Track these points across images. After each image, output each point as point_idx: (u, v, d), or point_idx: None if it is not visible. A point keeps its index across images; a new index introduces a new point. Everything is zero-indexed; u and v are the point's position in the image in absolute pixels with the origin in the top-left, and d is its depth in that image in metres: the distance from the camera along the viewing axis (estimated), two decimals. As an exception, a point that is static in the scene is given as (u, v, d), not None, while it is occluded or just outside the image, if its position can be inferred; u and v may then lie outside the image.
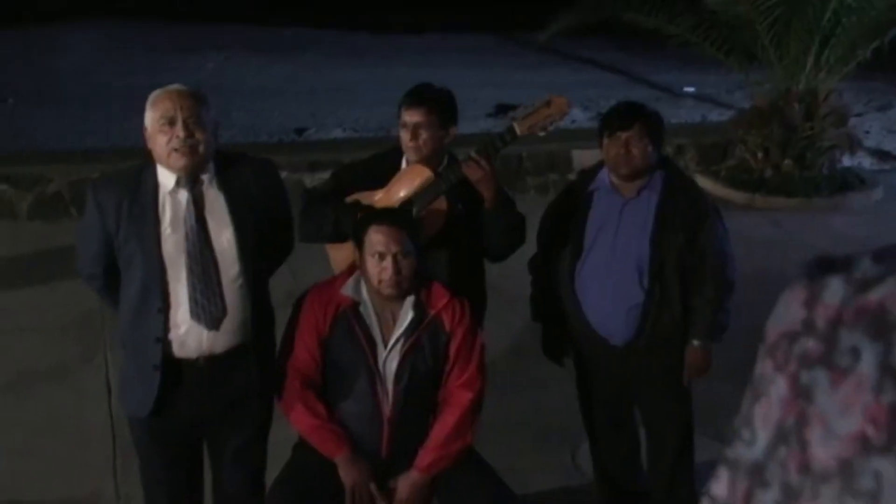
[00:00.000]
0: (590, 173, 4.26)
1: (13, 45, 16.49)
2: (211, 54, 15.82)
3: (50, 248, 7.66)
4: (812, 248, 7.45)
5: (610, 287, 4.07)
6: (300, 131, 11.49)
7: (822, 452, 0.80)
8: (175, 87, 3.55)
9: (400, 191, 4.15)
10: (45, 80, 13.91)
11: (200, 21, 19.03)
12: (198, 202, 3.56)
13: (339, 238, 4.11)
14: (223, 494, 3.89)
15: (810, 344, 0.84)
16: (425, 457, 3.78)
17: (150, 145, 3.55)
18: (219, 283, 3.58)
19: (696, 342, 4.08)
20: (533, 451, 5.02)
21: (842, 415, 0.79)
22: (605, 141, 4.05)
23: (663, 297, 4.03)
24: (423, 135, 4.12)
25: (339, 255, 4.22)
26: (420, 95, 4.18)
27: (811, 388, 0.82)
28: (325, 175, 7.32)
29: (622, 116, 4.05)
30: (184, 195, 3.55)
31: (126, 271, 3.60)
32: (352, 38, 17.23)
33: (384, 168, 4.26)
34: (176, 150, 3.46)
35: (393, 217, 3.82)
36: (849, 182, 9.07)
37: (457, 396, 3.81)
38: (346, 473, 3.76)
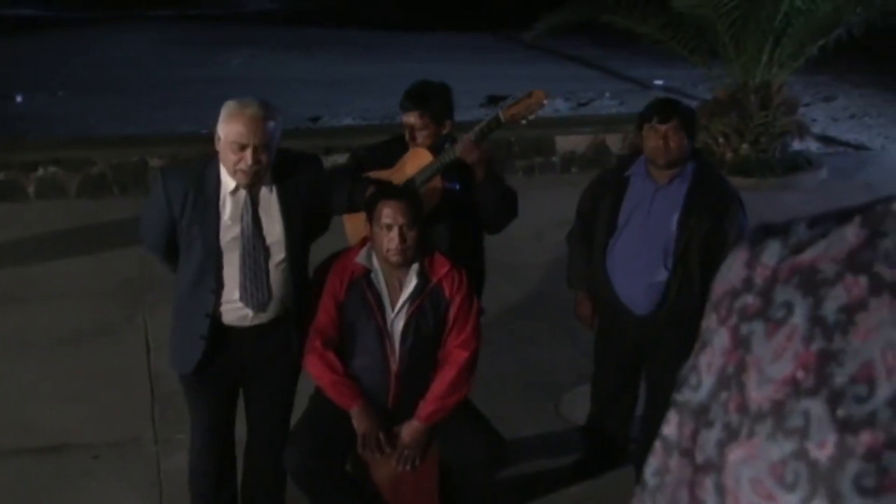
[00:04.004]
0: (627, 160, 4.22)
1: (66, 41, 16.43)
2: (239, 51, 15.74)
3: (95, 222, 7.64)
4: (766, 221, 7.43)
5: (638, 264, 4.01)
6: (315, 119, 11.43)
7: (758, 394, 0.79)
8: (251, 109, 3.35)
9: (404, 171, 4.17)
10: (94, 72, 13.85)
11: (234, 22, 19.03)
12: (255, 201, 3.52)
13: (352, 209, 4.12)
14: (256, 435, 3.89)
15: (749, 299, 0.83)
16: (425, 408, 3.77)
17: (219, 150, 3.44)
18: (266, 271, 3.56)
19: None
20: (521, 402, 5.00)
21: (775, 361, 0.79)
22: (645, 132, 3.96)
23: (685, 277, 3.97)
24: (420, 135, 4.16)
25: (353, 225, 4.24)
26: (414, 98, 4.17)
27: (749, 338, 0.82)
28: (338, 158, 7.31)
29: (662, 110, 3.96)
30: (243, 194, 3.49)
31: (186, 251, 3.57)
32: (362, 36, 17.14)
33: (395, 151, 4.27)
34: (243, 171, 3.39)
35: (400, 192, 3.81)
36: (798, 164, 9.04)
37: (455, 355, 3.79)
38: (360, 422, 3.75)
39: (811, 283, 0.80)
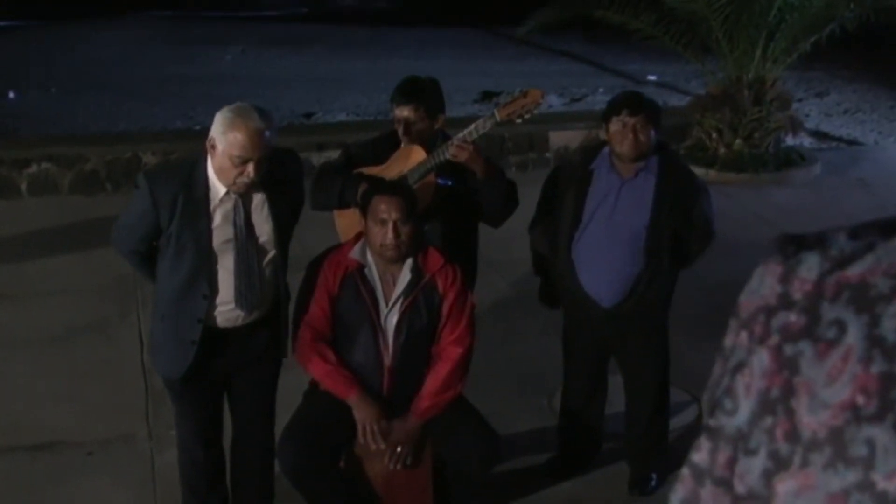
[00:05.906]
0: (591, 152, 4.18)
1: (59, 39, 16.38)
2: (230, 47, 15.71)
3: (88, 219, 7.61)
4: (760, 217, 7.45)
5: (605, 258, 3.99)
6: (308, 115, 11.42)
7: (811, 420, 0.74)
8: (253, 122, 3.29)
9: (397, 167, 4.15)
10: (86, 70, 13.82)
11: (223, 18, 18.99)
12: (246, 203, 3.49)
13: (344, 205, 4.11)
14: (244, 432, 3.88)
15: (792, 318, 0.78)
16: (420, 404, 3.78)
17: (213, 158, 3.37)
18: (259, 272, 3.54)
19: None
20: (513, 397, 5.01)
21: (829, 385, 0.74)
22: (613, 126, 3.93)
23: (656, 270, 3.98)
24: (414, 128, 4.12)
25: (344, 221, 4.24)
26: (407, 92, 4.14)
27: (797, 359, 0.76)
28: (331, 154, 7.30)
29: (632, 103, 3.94)
30: (233, 196, 3.46)
31: (175, 256, 3.49)
32: (354, 32, 17.12)
33: (386, 147, 4.25)
34: (245, 184, 3.37)
35: (395, 188, 3.80)
36: (791, 159, 9.05)
37: (448, 351, 3.79)
38: (359, 410, 3.74)
39: (864, 300, 0.75)
